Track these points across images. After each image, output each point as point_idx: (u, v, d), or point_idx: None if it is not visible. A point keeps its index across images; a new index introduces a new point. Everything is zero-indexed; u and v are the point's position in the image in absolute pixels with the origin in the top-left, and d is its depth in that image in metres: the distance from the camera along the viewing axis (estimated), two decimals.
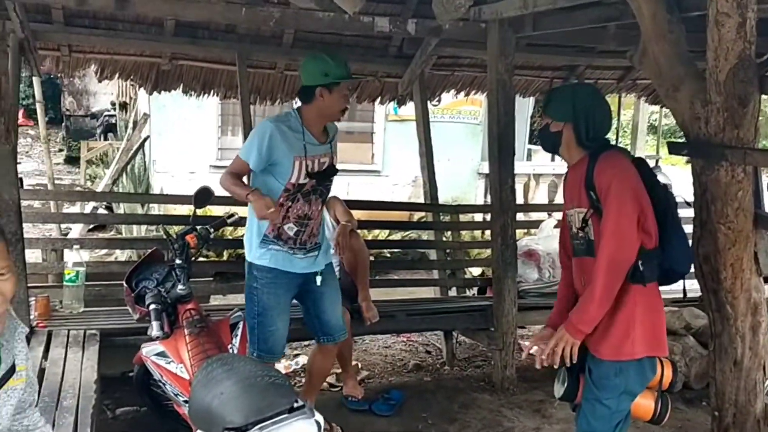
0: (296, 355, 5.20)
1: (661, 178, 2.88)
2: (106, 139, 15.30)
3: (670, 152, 3.47)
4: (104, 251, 7.75)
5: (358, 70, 5.79)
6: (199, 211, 3.38)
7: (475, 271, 6.90)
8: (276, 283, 3.40)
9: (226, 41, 5.13)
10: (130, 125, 10.44)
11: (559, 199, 11.31)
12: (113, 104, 17.43)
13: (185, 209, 7.61)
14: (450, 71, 6.04)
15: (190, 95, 5.72)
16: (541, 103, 10.38)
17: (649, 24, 3.18)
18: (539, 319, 5.17)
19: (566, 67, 6.39)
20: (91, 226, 8.29)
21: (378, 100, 6.21)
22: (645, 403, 2.78)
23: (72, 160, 15.65)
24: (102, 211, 8.36)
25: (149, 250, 3.53)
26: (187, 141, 10.02)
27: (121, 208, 8.46)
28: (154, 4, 4.08)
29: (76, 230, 7.85)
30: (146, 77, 5.44)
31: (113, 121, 16.23)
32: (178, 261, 3.11)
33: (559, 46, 5.66)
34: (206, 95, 5.77)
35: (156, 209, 8.31)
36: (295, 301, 3.60)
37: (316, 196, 3.44)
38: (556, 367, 2.76)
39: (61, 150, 16.84)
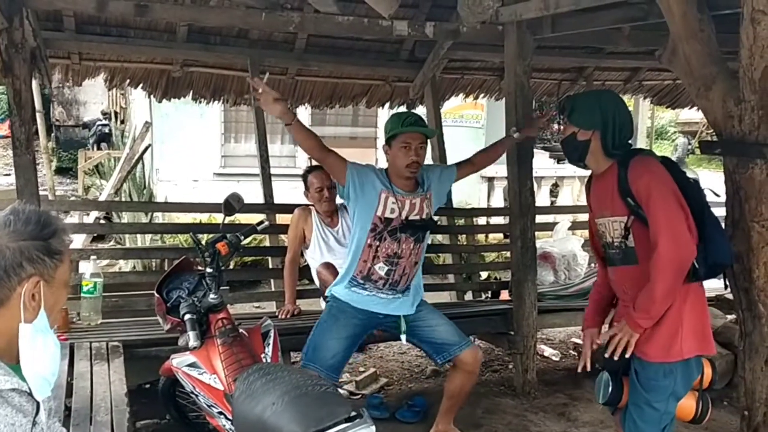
0: None
1: (689, 175, 2.86)
2: (99, 148, 15.19)
3: (702, 152, 3.45)
4: (106, 262, 7.69)
5: (369, 75, 5.82)
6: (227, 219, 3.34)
7: (482, 275, 6.88)
8: (341, 306, 3.47)
9: (238, 47, 5.11)
10: (129, 134, 10.37)
11: (560, 201, 11.32)
12: (104, 114, 17.34)
13: (189, 218, 7.66)
14: (460, 74, 6.04)
15: (200, 102, 5.69)
16: (543, 104, 10.47)
17: (680, 23, 3.16)
18: (557, 321, 5.17)
19: (575, 69, 6.40)
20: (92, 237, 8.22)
21: (388, 104, 6.19)
22: (687, 404, 2.75)
23: (62, 171, 15.53)
24: (101, 221, 8.29)
25: (174, 260, 3.47)
26: (190, 149, 9.98)
27: (123, 218, 8.39)
28: (174, 11, 4.04)
29: (78, 241, 7.77)
30: (156, 84, 5.40)
31: (107, 131, 16.14)
32: (209, 269, 3.06)
33: (570, 47, 5.67)
34: (216, 102, 5.74)
35: (160, 218, 8.24)
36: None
37: (406, 235, 3.41)
38: (580, 369, 2.76)
39: (50, 161, 16.69)
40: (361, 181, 3.37)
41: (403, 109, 6.41)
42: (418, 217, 3.45)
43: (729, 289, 3.39)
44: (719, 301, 5.09)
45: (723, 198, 3.48)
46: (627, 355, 2.59)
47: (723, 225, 3.08)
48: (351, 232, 3.56)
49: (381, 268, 3.40)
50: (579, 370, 2.80)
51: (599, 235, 2.81)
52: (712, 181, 3.39)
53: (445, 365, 3.70)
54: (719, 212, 3.32)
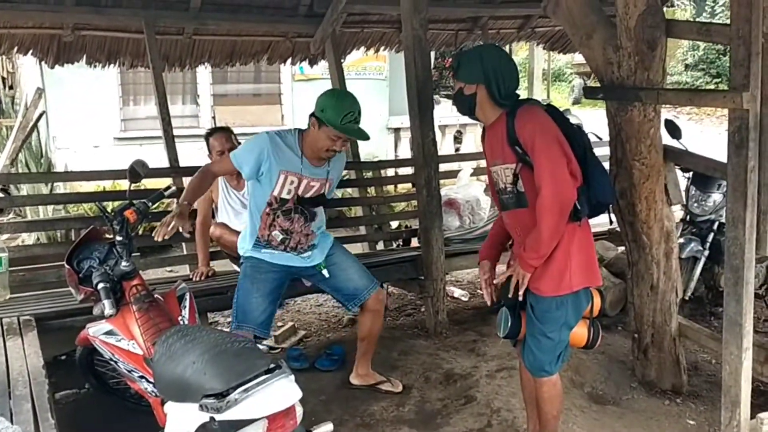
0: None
1: (572, 120, 3.03)
2: None
3: (586, 97, 3.68)
4: (6, 236, 7.41)
5: (268, 32, 5.79)
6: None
7: (393, 224, 7.06)
8: (260, 263, 3.58)
9: (131, 8, 4.96)
10: (20, 102, 9.87)
11: (464, 149, 11.61)
12: None
13: (92, 185, 7.45)
14: (360, 28, 6.08)
15: (95, 66, 5.51)
16: (445, 54, 10.59)
17: None
18: (464, 264, 5.40)
19: (470, 18, 6.54)
20: None
21: (289, 60, 6.17)
22: (579, 331, 2.97)
23: None
24: None
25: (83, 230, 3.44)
26: (87, 114, 9.62)
27: (22, 189, 8.07)
28: None
29: None
30: (46, 50, 5.20)
31: None
32: (118, 238, 3.05)
33: None
34: (112, 65, 5.58)
35: (61, 187, 7.98)
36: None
37: (298, 215, 3.57)
38: (490, 303, 2.97)
39: None
40: (257, 165, 3.43)
41: (305, 65, 6.43)
42: (310, 196, 3.59)
43: (614, 225, 3.67)
44: (611, 234, 5.42)
45: (605, 140, 3.75)
46: (520, 292, 2.79)
47: (607, 166, 3.32)
48: (249, 197, 3.68)
49: (277, 236, 3.57)
50: (487, 300, 3.00)
51: (494, 182, 2.97)
52: (605, 121, 3.60)
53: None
54: (603, 153, 3.57)
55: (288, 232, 3.58)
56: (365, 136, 3.46)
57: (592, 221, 2.94)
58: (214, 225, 4.54)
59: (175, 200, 4.65)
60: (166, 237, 3.16)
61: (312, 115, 3.44)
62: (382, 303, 3.86)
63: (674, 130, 4.38)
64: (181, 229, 3.20)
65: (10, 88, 14.75)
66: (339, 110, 3.34)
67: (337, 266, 3.72)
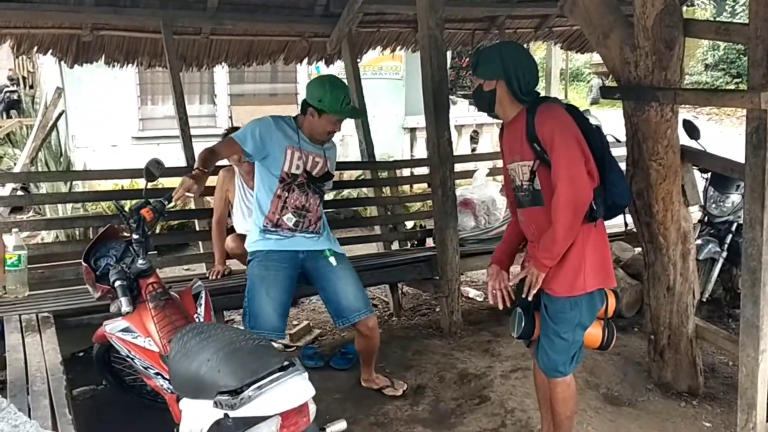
0: None
1: (592, 121, 3.02)
2: (8, 116, 14.51)
3: (603, 96, 3.66)
4: (26, 234, 7.49)
5: (284, 32, 5.81)
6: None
7: (408, 224, 7.06)
8: (267, 259, 3.59)
9: (149, 8, 5.00)
10: (40, 101, 9.98)
11: (480, 148, 11.59)
12: (11, 80, 16.50)
13: (110, 184, 7.51)
14: (376, 28, 6.08)
15: (113, 66, 5.56)
16: (462, 53, 10.56)
17: None
18: (479, 264, 5.39)
19: (487, 18, 6.53)
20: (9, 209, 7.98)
21: (306, 60, 6.19)
22: (594, 332, 2.96)
23: None
24: (18, 192, 8.04)
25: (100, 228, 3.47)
26: (106, 113, 9.71)
27: (42, 188, 8.16)
28: None
29: None
30: (66, 50, 5.25)
31: (15, 97, 15.38)
32: (135, 236, 3.07)
33: None
34: (130, 65, 5.62)
35: (80, 186, 8.06)
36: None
37: (311, 192, 3.65)
38: (501, 307, 2.94)
39: None
40: (263, 141, 3.51)
41: (322, 65, 6.44)
42: (318, 174, 3.67)
43: (630, 226, 3.65)
44: (628, 235, 5.38)
45: (624, 142, 3.72)
46: (534, 292, 2.78)
47: (624, 166, 3.30)
48: (255, 188, 3.71)
49: (289, 219, 3.61)
50: (493, 305, 2.99)
51: (511, 179, 2.96)
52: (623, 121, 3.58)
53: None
54: (621, 154, 3.54)
55: (302, 210, 3.62)
56: (360, 115, 4.07)
57: (608, 222, 2.92)
58: (229, 238, 4.58)
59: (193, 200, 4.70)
60: (183, 202, 3.22)
61: (307, 104, 3.59)
62: (375, 330, 3.84)
63: (692, 130, 4.35)
64: (192, 192, 3.15)
65: (31, 87, 14.94)
66: (336, 98, 3.53)
67: (338, 277, 3.70)
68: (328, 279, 3.68)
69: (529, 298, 2.81)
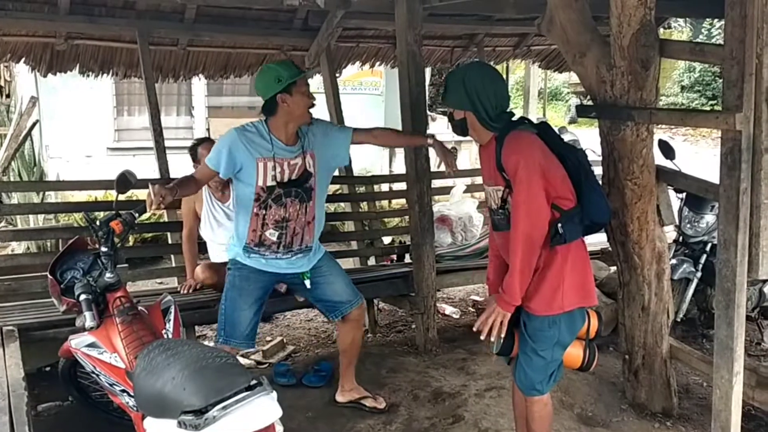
0: None
1: (566, 137, 3.01)
2: None
3: (579, 115, 3.66)
4: None
5: (263, 45, 5.78)
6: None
7: (386, 239, 7.02)
8: (245, 275, 3.54)
9: (126, 18, 4.95)
10: (15, 110, 9.83)
11: (459, 165, 11.58)
12: None
13: (84, 195, 7.40)
14: (355, 43, 6.08)
15: (87, 76, 5.49)
16: (441, 71, 10.56)
17: None
18: (455, 281, 5.37)
19: (466, 36, 6.56)
20: None
21: None
22: (575, 353, 2.94)
23: None
24: None
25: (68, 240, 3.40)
26: (80, 124, 9.61)
27: (13, 198, 8.01)
28: None
29: None
30: (39, 58, 5.18)
31: None
32: (103, 248, 3.01)
33: (460, 15, 5.81)
34: (105, 75, 5.55)
35: (53, 197, 7.93)
36: None
37: (291, 199, 3.48)
38: (489, 339, 2.82)
39: None
40: (232, 158, 3.36)
41: None
42: (297, 177, 3.48)
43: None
44: (603, 254, 5.40)
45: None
46: (502, 334, 2.77)
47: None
48: (235, 210, 3.64)
49: (272, 234, 3.50)
50: (481, 337, 2.81)
51: (488, 202, 2.95)
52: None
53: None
54: (599, 171, 3.53)
55: (283, 222, 3.48)
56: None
57: (589, 239, 2.91)
58: (199, 267, 4.49)
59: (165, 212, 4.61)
60: (157, 208, 3.12)
61: (272, 98, 3.33)
62: (363, 313, 3.91)
63: (668, 150, 4.37)
64: (156, 196, 3.05)
65: (7, 96, 14.73)
66: (287, 66, 3.37)
67: (324, 277, 3.69)
68: (312, 285, 3.68)
69: (491, 339, 2.78)
